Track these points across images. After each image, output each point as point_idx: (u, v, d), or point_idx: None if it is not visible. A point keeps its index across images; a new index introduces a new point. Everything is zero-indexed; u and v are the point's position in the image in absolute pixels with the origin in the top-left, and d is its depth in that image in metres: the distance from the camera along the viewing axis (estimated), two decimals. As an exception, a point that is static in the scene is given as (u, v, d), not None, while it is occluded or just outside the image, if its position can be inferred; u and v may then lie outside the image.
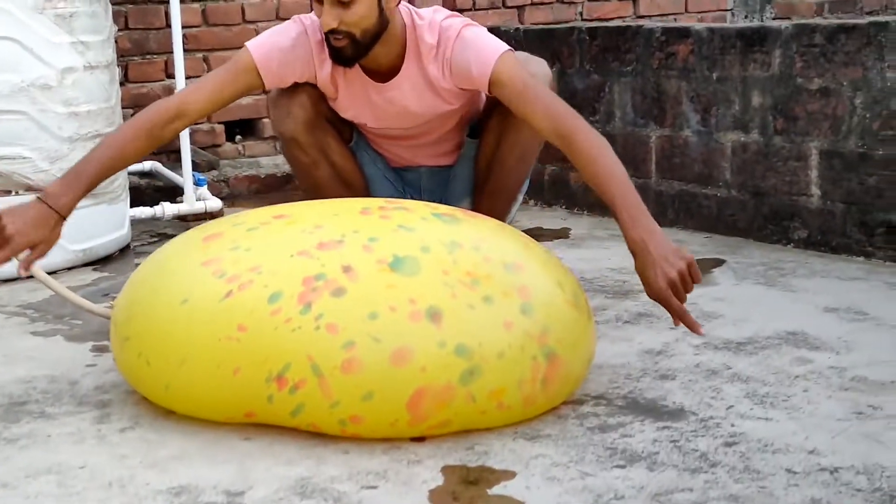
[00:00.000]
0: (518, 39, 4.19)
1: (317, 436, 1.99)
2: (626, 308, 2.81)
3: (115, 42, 3.65)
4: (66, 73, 3.30)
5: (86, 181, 2.42)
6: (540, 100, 2.50)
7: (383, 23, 2.58)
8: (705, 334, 2.39)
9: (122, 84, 4.32)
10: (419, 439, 1.98)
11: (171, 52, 4.12)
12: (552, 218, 4.02)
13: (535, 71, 2.68)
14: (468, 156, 2.94)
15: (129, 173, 4.01)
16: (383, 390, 1.92)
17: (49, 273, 3.24)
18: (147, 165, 4.34)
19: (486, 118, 2.87)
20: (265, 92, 2.81)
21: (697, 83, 3.61)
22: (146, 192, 4.28)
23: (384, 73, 2.71)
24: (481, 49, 2.60)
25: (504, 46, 2.62)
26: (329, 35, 2.55)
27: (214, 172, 4.51)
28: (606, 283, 3.07)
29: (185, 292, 2.06)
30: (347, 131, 2.92)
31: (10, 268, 2.95)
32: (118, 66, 3.81)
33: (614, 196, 2.27)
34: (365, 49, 2.60)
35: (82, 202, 3.37)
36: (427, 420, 1.95)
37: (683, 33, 3.64)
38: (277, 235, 2.11)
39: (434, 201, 2.90)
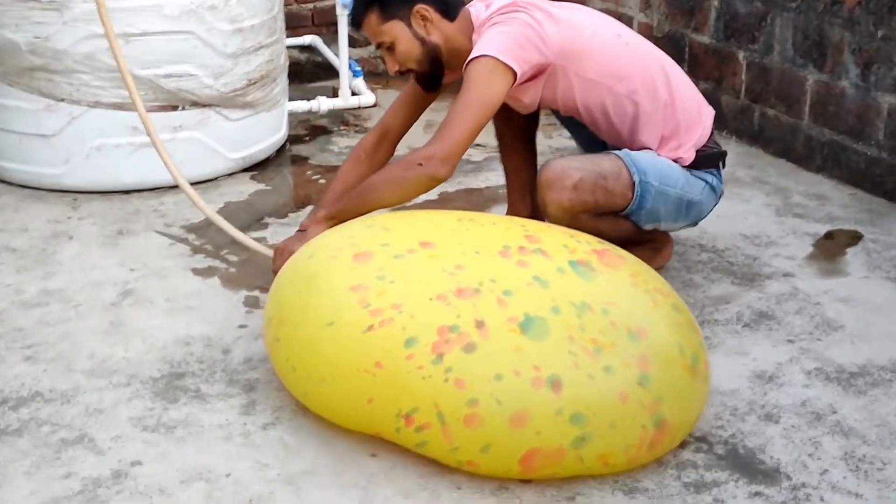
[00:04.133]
0: (686, -50, 4.09)
1: (435, 462, 2.20)
2: (749, 303, 2.90)
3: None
4: (234, -10, 3.40)
5: (324, 209, 2.82)
6: (458, 109, 2.65)
7: (430, 45, 2.78)
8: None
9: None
10: (526, 480, 2.18)
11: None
12: (698, 142, 4.03)
13: (607, 168, 2.79)
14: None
15: (288, 47, 4.13)
16: (499, 446, 2.10)
17: (210, 180, 3.49)
18: (307, 39, 4.46)
19: None
20: None
21: (861, 37, 3.51)
22: (305, 67, 4.42)
23: None
24: (482, 43, 2.71)
25: (494, 50, 2.68)
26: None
27: (371, 48, 4.60)
28: (736, 260, 3.14)
29: (332, 315, 2.24)
30: None
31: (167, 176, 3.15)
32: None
33: (348, 198, 2.75)
34: (434, 71, 2.82)
35: (242, 113, 3.56)
36: (536, 473, 2.14)
37: (855, -17, 3.52)
38: (420, 271, 2.25)
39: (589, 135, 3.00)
